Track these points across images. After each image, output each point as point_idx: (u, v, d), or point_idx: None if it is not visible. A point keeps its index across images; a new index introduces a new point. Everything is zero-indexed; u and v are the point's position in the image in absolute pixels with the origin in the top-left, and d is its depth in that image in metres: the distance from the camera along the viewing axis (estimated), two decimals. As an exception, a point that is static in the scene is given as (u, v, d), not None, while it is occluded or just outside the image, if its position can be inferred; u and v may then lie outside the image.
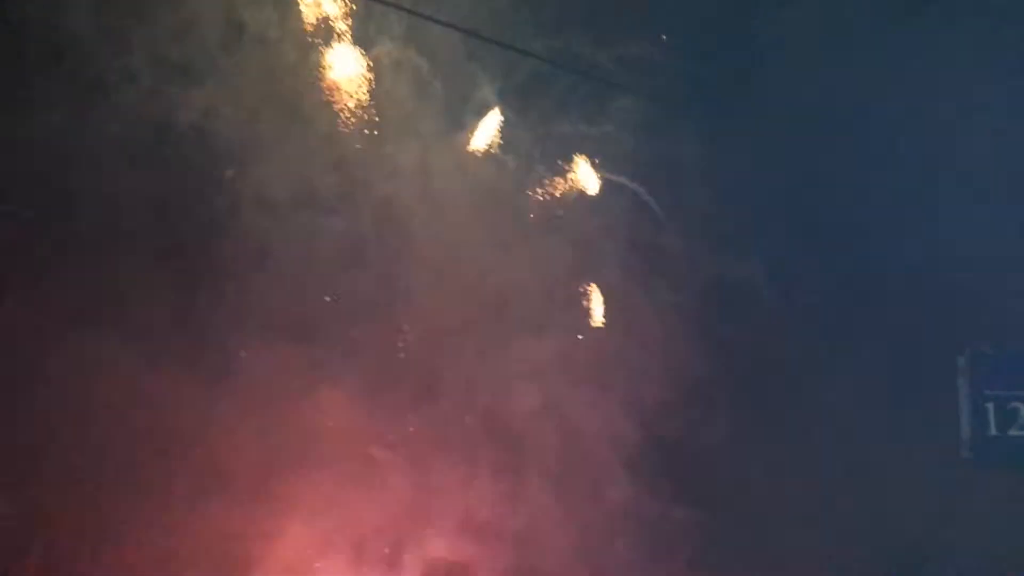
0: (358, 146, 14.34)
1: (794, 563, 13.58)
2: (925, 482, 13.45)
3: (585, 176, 14.64)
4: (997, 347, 13.89)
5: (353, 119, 14.35)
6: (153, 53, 13.65)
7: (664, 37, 14.35)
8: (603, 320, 14.43)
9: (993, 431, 13.67)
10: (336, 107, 14.30)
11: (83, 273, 13.35)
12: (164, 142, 13.81)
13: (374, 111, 14.38)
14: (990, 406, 13.73)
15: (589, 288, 14.48)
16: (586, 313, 14.46)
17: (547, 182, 14.63)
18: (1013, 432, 13.61)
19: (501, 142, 14.56)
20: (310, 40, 14.24)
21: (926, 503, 13.47)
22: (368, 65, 14.34)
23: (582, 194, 14.66)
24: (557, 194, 14.64)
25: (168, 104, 13.71)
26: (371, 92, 14.35)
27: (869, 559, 13.59)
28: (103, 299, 13.35)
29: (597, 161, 14.62)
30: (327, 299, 14.03)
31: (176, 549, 13.01)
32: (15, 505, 12.78)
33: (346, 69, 14.35)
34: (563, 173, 14.66)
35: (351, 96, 14.34)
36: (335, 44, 14.28)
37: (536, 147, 14.56)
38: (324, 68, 14.26)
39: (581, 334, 14.38)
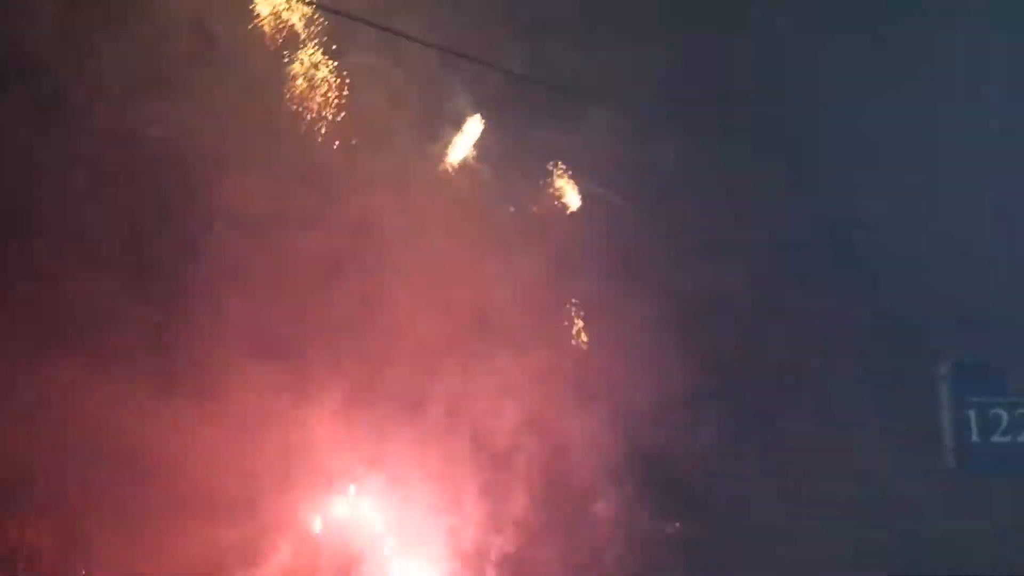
0: (332, 159, 14.05)
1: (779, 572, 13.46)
2: (911, 491, 13.44)
3: (562, 186, 14.48)
4: (977, 355, 13.90)
5: (327, 131, 14.10)
6: (122, 67, 13.27)
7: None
8: (584, 330, 14.23)
9: (975, 438, 13.65)
10: (309, 119, 14.05)
11: (53, 294, 12.94)
12: (134, 158, 13.43)
13: (348, 123, 14.15)
14: (971, 413, 13.72)
15: (569, 298, 14.29)
16: (567, 323, 14.26)
17: (524, 192, 14.44)
18: (996, 439, 13.60)
19: (476, 152, 14.37)
20: (282, 53, 13.95)
21: (913, 511, 13.46)
22: (341, 77, 14.10)
23: (559, 204, 14.48)
24: (534, 204, 14.45)
25: (138, 119, 13.35)
26: (345, 104, 14.11)
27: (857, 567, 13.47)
28: (74, 321, 12.96)
29: (573, 170, 14.45)
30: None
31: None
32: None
33: (319, 81, 14.10)
34: (540, 183, 14.48)
35: (324, 108, 14.09)
36: (307, 56, 14.00)
37: (512, 157, 14.39)
38: (296, 80, 13.99)
39: (562, 344, 14.19)
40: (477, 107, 14.29)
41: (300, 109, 13.95)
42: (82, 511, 12.54)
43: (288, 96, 13.92)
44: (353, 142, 14.04)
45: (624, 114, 14.07)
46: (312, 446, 13.19)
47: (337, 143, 14.05)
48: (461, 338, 13.69)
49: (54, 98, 13.15)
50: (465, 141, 14.30)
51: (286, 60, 13.88)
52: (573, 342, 14.23)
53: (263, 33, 13.85)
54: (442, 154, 14.37)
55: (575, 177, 14.47)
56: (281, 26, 13.85)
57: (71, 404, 12.47)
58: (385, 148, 14.14)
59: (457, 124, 14.33)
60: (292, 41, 13.92)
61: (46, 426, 12.45)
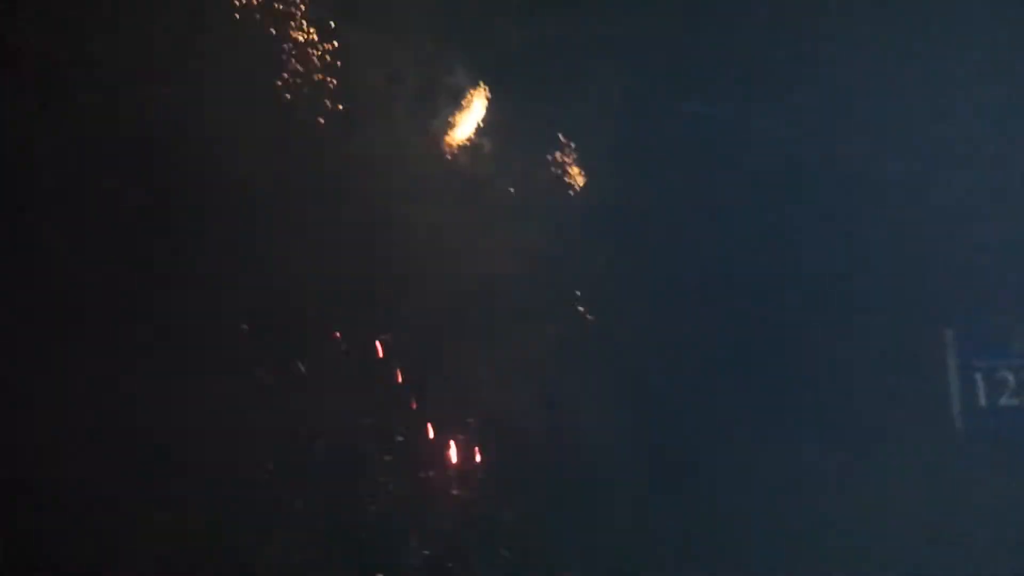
0: (329, 135, 13.93)
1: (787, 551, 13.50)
2: (920, 459, 13.48)
3: (562, 160, 14.38)
4: (984, 319, 13.94)
5: (323, 108, 13.96)
6: (113, 48, 13.09)
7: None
8: (590, 306, 14.18)
9: (983, 402, 13.72)
10: (305, 96, 13.90)
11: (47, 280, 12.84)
12: (128, 138, 13.27)
13: (345, 98, 14.01)
14: (978, 377, 13.79)
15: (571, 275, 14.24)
16: (571, 300, 14.20)
17: (525, 167, 14.35)
18: (1003, 402, 13.68)
19: (478, 126, 14.27)
20: (275, 27, 13.77)
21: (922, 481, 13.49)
22: (336, 50, 13.95)
23: (561, 178, 14.39)
24: (536, 179, 14.36)
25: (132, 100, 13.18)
26: (341, 78, 13.96)
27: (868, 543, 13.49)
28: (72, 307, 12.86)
29: (575, 145, 14.35)
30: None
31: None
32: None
33: (314, 56, 13.95)
34: (541, 157, 14.38)
35: (320, 83, 13.95)
36: (302, 29, 13.84)
37: (513, 130, 14.28)
38: (291, 55, 13.83)
39: (568, 321, 14.09)
40: (477, 81, 14.24)
41: (296, 86, 13.83)
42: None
43: (283, 73, 13.78)
44: (349, 118, 13.93)
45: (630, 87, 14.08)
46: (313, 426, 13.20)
47: (334, 120, 13.94)
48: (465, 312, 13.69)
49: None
50: (466, 115, 14.21)
51: (280, 37, 13.72)
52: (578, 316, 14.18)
53: (255, 9, 13.69)
54: (442, 129, 14.27)
55: (576, 150, 14.38)
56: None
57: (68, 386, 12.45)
58: (384, 124, 14.05)
59: (457, 99, 14.24)
60: (286, 18, 13.79)
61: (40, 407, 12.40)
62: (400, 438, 13.33)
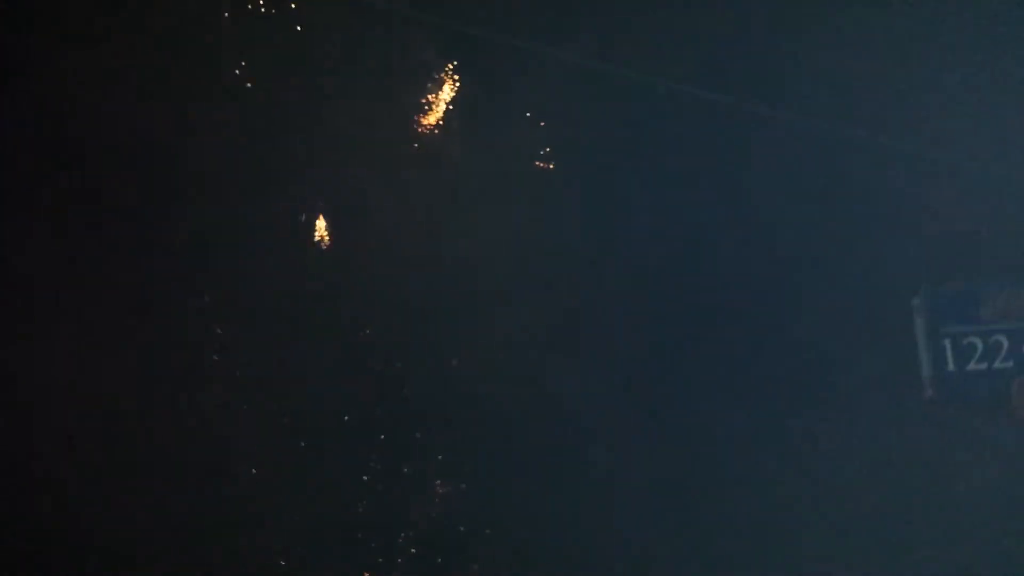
0: (296, 114, 13.93)
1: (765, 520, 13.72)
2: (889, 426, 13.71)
3: (535, 138, 14.43)
4: (951, 284, 14.04)
5: (288, 85, 13.94)
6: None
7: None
8: (569, 284, 14.30)
9: (951, 367, 13.83)
10: (268, 74, 13.87)
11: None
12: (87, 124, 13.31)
13: (310, 75, 13.99)
14: (947, 343, 13.88)
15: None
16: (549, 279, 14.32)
17: (496, 144, 14.40)
18: (971, 367, 13.80)
19: (447, 104, 14.29)
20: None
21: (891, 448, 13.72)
22: (300, 26, 13.93)
23: (535, 156, 14.43)
24: (507, 156, 14.41)
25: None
26: (305, 55, 13.90)
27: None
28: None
29: (547, 122, 14.38)
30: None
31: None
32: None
33: (276, 32, 13.95)
34: (511, 135, 14.42)
35: (283, 61, 13.94)
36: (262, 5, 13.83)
37: (483, 108, 14.31)
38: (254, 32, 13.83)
39: (548, 301, 14.20)
40: (447, 58, 14.25)
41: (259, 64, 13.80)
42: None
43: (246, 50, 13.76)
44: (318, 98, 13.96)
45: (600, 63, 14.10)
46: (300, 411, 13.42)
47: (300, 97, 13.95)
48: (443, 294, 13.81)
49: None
50: (435, 93, 14.24)
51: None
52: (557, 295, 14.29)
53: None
54: (410, 105, 14.28)
55: (549, 128, 14.42)
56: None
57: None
58: (350, 102, 14.03)
59: (428, 76, 14.26)
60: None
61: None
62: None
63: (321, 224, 13.87)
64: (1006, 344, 13.73)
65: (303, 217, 13.82)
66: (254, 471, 13.18)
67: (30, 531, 12.57)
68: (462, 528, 13.60)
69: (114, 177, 13.37)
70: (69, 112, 13.17)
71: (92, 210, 13.24)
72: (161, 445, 13.00)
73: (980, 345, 13.87)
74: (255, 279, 13.53)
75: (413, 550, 13.36)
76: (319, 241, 13.86)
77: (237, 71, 13.67)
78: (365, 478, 13.44)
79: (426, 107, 14.26)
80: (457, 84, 14.33)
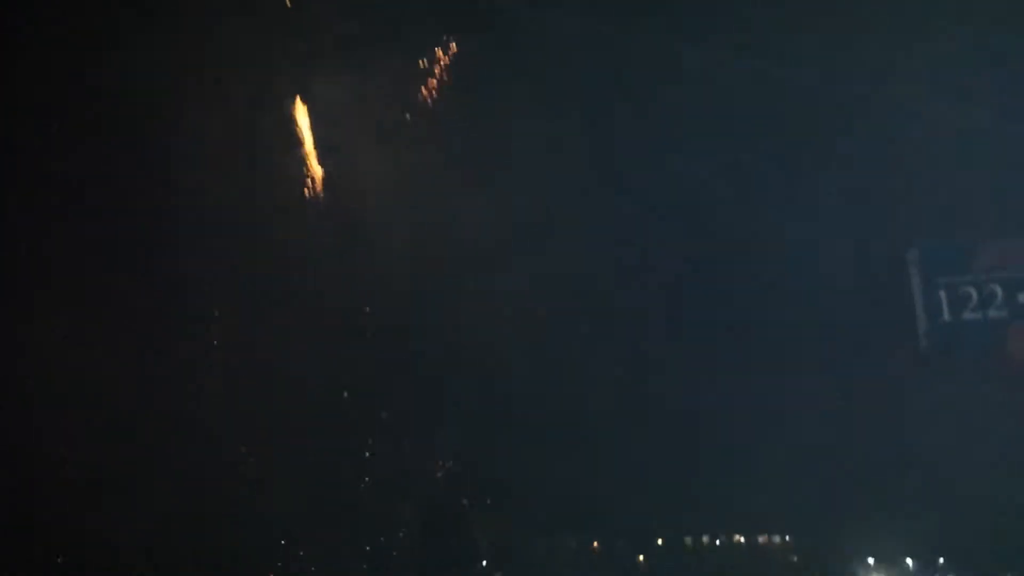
0: (286, 86, 14.35)
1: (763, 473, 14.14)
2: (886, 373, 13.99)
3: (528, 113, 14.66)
4: (945, 238, 14.33)
5: (277, 55, 14.33)
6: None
7: None
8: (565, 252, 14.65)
9: (947, 317, 14.13)
10: (254, 45, 14.25)
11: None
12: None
13: (299, 46, 14.37)
14: (942, 294, 14.16)
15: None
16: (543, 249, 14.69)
17: (489, 120, 14.70)
18: (967, 316, 14.09)
19: (443, 77, 14.61)
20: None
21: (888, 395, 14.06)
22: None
23: (527, 132, 14.72)
24: (501, 132, 14.71)
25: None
26: (296, 26, 14.31)
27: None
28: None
29: (546, 96, 14.74)
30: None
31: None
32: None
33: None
34: (507, 110, 14.71)
35: (270, 32, 14.29)
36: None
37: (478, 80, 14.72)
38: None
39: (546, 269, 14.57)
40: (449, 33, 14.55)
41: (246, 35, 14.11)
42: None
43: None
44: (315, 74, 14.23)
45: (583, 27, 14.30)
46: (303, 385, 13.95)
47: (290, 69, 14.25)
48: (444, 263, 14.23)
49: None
50: (437, 68, 14.55)
51: None
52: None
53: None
54: (413, 83, 14.61)
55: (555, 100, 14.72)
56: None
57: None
58: (342, 72, 14.38)
59: (430, 50, 14.58)
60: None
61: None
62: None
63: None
64: (1000, 293, 14.03)
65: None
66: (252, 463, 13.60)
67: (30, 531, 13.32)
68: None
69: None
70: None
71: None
72: (159, 444, 13.55)
73: (975, 294, 14.17)
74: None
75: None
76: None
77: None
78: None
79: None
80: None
